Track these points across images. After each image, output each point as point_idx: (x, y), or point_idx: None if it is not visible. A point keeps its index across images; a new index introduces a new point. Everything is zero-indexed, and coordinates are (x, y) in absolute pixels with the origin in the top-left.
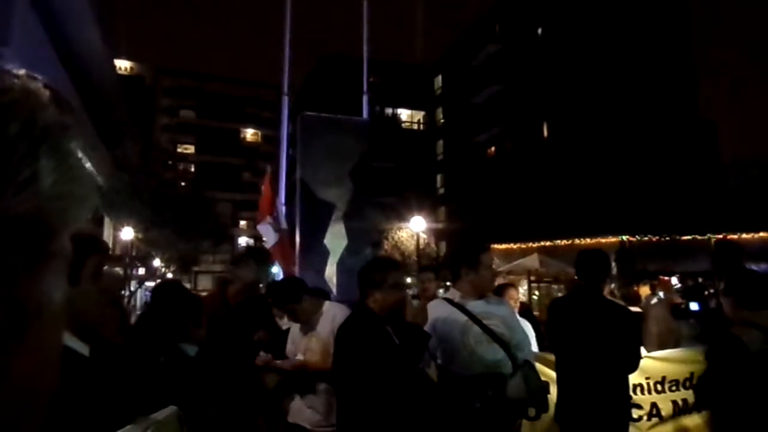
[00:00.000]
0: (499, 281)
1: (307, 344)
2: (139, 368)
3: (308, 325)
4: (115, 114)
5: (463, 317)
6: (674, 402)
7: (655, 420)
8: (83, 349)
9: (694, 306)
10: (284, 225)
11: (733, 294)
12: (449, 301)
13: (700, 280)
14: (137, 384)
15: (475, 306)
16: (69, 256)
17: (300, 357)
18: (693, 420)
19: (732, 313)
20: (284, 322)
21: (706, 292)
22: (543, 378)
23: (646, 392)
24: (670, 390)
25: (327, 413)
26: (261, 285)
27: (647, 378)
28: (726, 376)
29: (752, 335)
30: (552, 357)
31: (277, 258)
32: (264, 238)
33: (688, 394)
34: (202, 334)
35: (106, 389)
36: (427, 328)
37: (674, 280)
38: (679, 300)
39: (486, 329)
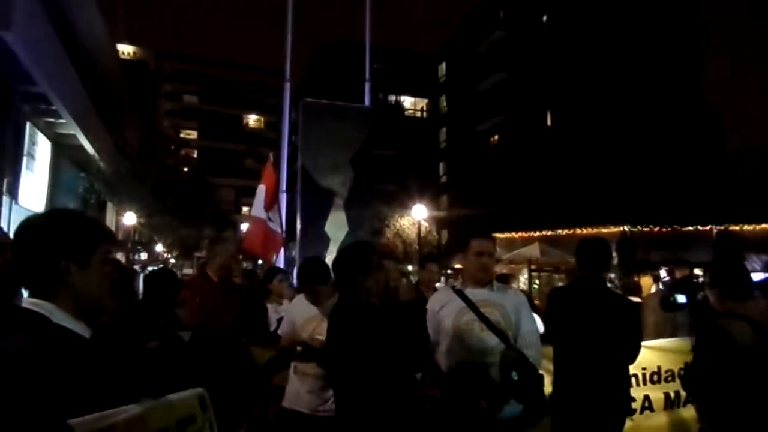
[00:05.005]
0: (504, 270)
1: (316, 328)
2: (133, 351)
3: (322, 310)
4: (117, 98)
5: (461, 303)
6: (666, 394)
7: (647, 413)
8: (84, 331)
9: (681, 298)
10: (281, 228)
11: (718, 285)
12: (453, 287)
13: (697, 271)
14: (136, 367)
15: (477, 293)
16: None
17: (305, 336)
18: (689, 411)
19: (718, 304)
20: (282, 309)
21: (694, 284)
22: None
23: (641, 383)
24: (666, 381)
25: (326, 398)
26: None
27: (643, 369)
28: (711, 367)
29: (740, 327)
30: (547, 349)
31: (257, 246)
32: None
33: None
34: (186, 315)
35: (110, 371)
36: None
37: (662, 272)
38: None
39: (481, 316)
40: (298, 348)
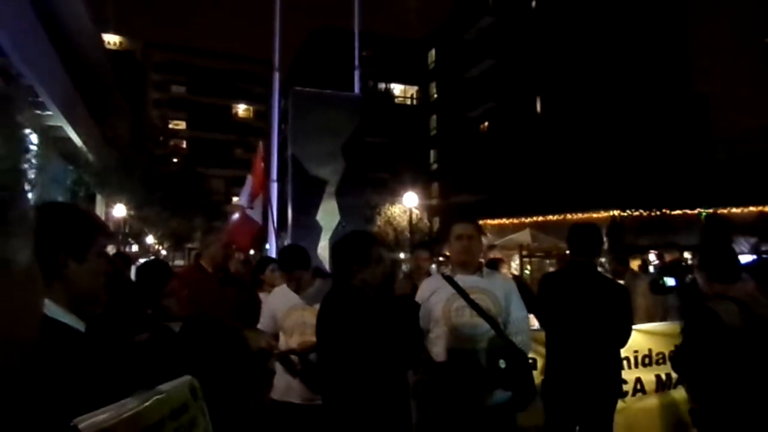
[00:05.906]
0: (496, 255)
1: (303, 318)
2: (125, 344)
3: (306, 299)
4: (104, 89)
5: (451, 290)
6: (658, 376)
7: (639, 395)
8: (79, 325)
9: (670, 281)
10: (269, 218)
11: (706, 268)
12: (443, 274)
13: (686, 254)
14: (129, 360)
15: (467, 280)
16: (32, 222)
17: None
18: (680, 393)
19: (706, 287)
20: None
21: (682, 267)
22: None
23: (632, 366)
24: (657, 363)
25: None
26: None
27: (635, 352)
28: (700, 349)
29: (728, 308)
30: (538, 334)
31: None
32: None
33: None
34: (174, 304)
35: (105, 364)
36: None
37: (652, 257)
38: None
39: (472, 303)
40: (292, 357)
